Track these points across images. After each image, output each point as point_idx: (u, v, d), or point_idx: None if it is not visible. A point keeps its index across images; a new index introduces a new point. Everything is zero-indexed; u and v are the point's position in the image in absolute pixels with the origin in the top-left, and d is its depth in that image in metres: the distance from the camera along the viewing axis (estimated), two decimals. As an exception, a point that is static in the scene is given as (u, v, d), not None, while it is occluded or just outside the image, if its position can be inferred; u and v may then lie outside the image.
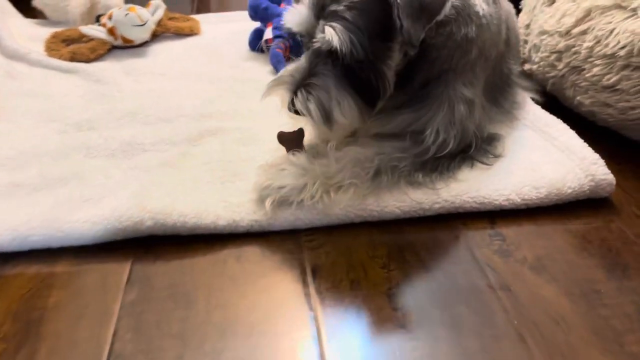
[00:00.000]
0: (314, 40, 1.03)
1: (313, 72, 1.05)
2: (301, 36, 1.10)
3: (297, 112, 1.06)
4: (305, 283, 0.95)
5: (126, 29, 1.81)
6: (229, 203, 1.08)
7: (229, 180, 1.16)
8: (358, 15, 1.00)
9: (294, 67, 1.08)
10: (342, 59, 1.02)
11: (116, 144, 1.27)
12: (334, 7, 1.01)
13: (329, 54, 1.04)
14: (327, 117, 1.05)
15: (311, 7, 1.04)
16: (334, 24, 0.99)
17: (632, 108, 1.25)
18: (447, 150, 1.14)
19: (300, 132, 1.14)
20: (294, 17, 1.07)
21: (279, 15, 1.77)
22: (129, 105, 1.45)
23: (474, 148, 1.19)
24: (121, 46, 1.84)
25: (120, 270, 0.98)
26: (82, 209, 1.06)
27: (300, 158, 1.10)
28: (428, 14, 1.02)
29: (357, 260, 1.00)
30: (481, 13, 1.17)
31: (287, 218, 1.06)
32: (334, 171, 1.08)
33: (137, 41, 1.85)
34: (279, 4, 1.86)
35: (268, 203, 1.04)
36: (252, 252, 1.03)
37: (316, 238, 1.06)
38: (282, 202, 1.06)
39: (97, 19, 1.91)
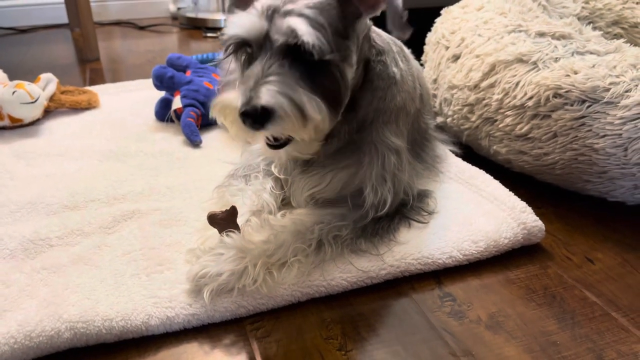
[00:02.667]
0: (274, 37, 0.92)
1: (268, 73, 0.91)
2: (248, 46, 0.97)
3: (253, 118, 0.89)
4: (259, 381, 0.86)
5: (14, 108, 1.63)
6: (160, 298, 0.96)
7: (156, 271, 1.04)
8: (318, 13, 0.94)
9: (243, 76, 0.95)
10: (309, 53, 0.91)
11: (15, 243, 1.10)
12: (289, 7, 0.94)
13: (286, 55, 0.93)
14: (302, 114, 0.90)
15: (262, 12, 0.95)
16: (297, 18, 0.92)
17: (546, 154, 1.31)
18: (385, 210, 1.11)
19: (233, 211, 1.05)
20: (243, 22, 0.95)
21: (187, 83, 1.70)
22: (25, 194, 1.28)
23: (409, 206, 1.18)
24: (8, 126, 1.66)
25: (36, 399, 0.82)
26: (-21, 329, 0.88)
27: (236, 239, 1.01)
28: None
29: (311, 344, 0.92)
30: (396, 70, 1.19)
31: (228, 307, 0.97)
32: (274, 248, 1.01)
33: (27, 120, 1.68)
34: (184, 72, 1.80)
35: (207, 294, 0.94)
36: (192, 352, 0.91)
37: (263, 325, 0.97)
38: (221, 291, 0.96)
39: (-22, 98, 1.71)
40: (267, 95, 0.88)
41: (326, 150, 1.15)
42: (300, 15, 0.93)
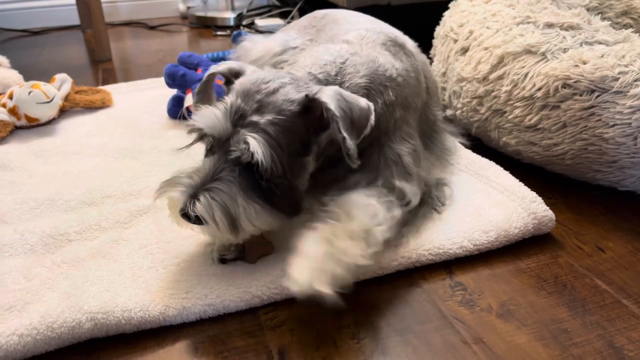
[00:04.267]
0: (231, 148, 0.96)
1: (217, 177, 0.95)
2: (212, 139, 1.00)
3: (190, 219, 0.94)
4: (275, 369, 0.88)
5: (30, 107, 1.67)
6: (176, 289, 0.99)
7: (172, 263, 1.06)
8: (281, 132, 0.96)
9: (194, 169, 0.98)
10: (260, 174, 0.96)
11: (35, 238, 1.13)
12: (255, 118, 0.96)
13: (238, 162, 0.96)
14: (232, 225, 0.94)
15: (228, 113, 0.98)
16: (256, 136, 0.94)
17: (556, 145, 1.32)
18: (411, 206, 1.14)
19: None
20: (208, 119, 0.98)
21: (198, 81, 1.72)
22: (44, 191, 1.31)
23: (429, 196, 1.20)
24: (26, 126, 1.70)
25: (59, 387, 0.85)
26: (3, 321, 0.92)
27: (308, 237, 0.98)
28: (357, 129, 1.00)
29: (324, 333, 0.94)
30: (394, 74, 1.20)
31: (243, 297, 0.99)
32: (348, 221, 1.01)
33: (44, 119, 1.71)
34: (195, 69, 1.82)
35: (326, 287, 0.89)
36: (209, 341, 0.93)
37: (277, 314, 0.99)
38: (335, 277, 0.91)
39: (-5, 99, 1.75)
40: (202, 207, 0.92)
41: (335, 175, 1.16)
42: (263, 132, 0.95)
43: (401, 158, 1.15)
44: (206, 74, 1.13)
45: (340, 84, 1.12)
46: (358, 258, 0.94)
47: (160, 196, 0.99)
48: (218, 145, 0.99)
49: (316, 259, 0.91)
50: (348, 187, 1.12)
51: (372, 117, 1.02)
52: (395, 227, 1.07)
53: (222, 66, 1.10)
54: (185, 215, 0.94)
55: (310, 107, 1.00)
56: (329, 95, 0.98)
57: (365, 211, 1.02)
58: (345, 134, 0.97)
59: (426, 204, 1.18)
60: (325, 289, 0.87)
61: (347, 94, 1.02)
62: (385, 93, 1.17)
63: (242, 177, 0.96)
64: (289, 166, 0.98)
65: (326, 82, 1.11)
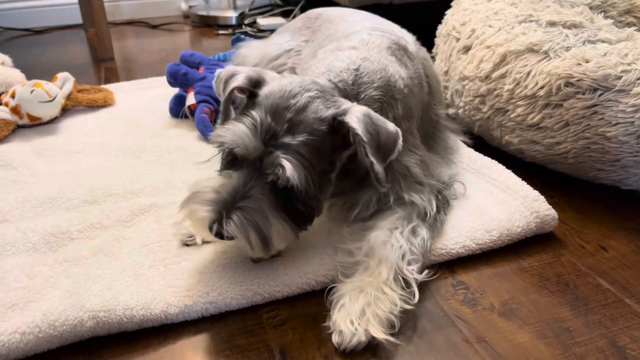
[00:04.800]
0: (266, 170, 0.94)
1: (247, 194, 0.94)
2: (239, 156, 0.98)
3: (222, 237, 0.93)
4: (276, 367, 0.88)
5: (32, 106, 1.67)
6: (178, 287, 0.99)
7: (173, 262, 1.06)
8: (313, 152, 0.96)
9: (221, 183, 0.96)
10: (293, 194, 0.95)
11: (37, 237, 1.13)
12: (288, 140, 0.95)
13: (272, 182, 0.95)
14: (265, 243, 0.94)
15: (259, 132, 0.95)
16: (291, 158, 0.93)
17: (558, 143, 1.32)
18: (433, 208, 1.14)
19: None
20: (238, 137, 0.96)
21: (200, 79, 1.72)
22: (47, 190, 1.31)
23: (443, 193, 1.21)
24: (28, 125, 1.70)
25: (61, 385, 0.85)
26: (6, 319, 0.92)
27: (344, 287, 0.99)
28: (383, 153, 1.00)
29: (325, 332, 0.94)
30: (402, 85, 1.19)
31: (245, 294, 0.99)
32: (378, 267, 1.01)
33: (46, 118, 1.71)
34: (197, 68, 1.82)
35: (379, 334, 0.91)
36: (211, 339, 0.93)
37: (279, 313, 0.99)
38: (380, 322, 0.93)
39: (-3, 98, 1.76)
40: (235, 227, 0.91)
41: (344, 187, 1.16)
42: (297, 154, 0.94)
43: (409, 170, 1.15)
44: (222, 85, 1.07)
45: (357, 94, 1.11)
46: (394, 307, 0.95)
47: (188, 216, 0.97)
48: (245, 161, 0.97)
49: (356, 311, 0.92)
50: (361, 211, 1.14)
51: (400, 142, 1.01)
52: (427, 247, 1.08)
53: (240, 78, 1.04)
54: (219, 234, 0.93)
55: (338, 127, 0.99)
56: (357, 119, 0.97)
57: (392, 253, 1.02)
58: (373, 159, 0.96)
59: (445, 200, 1.19)
60: (376, 333, 0.90)
61: (375, 116, 1.00)
62: (395, 107, 1.16)
63: (272, 194, 0.95)
64: (318, 184, 0.98)
65: (345, 91, 1.10)
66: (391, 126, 1.01)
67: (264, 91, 1.02)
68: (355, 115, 0.97)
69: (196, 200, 0.96)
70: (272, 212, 0.95)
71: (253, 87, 1.04)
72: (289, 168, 0.92)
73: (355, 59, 1.16)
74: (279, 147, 0.95)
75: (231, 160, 1.01)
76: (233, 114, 1.10)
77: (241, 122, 0.97)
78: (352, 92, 1.11)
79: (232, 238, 0.93)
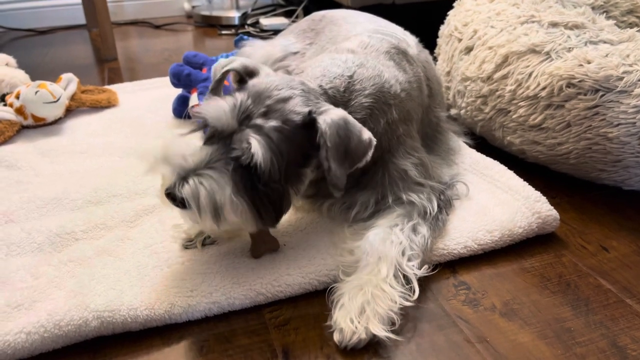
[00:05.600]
0: (233, 145, 0.96)
1: (211, 165, 0.95)
2: (215, 131, 1.00)
3: (175, 199, 0.94)
4: (279, 367, 0.89)
5: (37, 107, 1.68)
6: (181, 288, 1.00)
7: (177, 262, 1.07)
8: (283, 140, 0.97)
9: (191, 153, 0.97)
10: (255, 174, 0.96)
11: (42, 237, 1.14)
12: (260, 122, 0.97)
13: (237, 160, 0.96)
14: (216, 212, 0.94)
15: (236, 110, 0.98)
16: (259, 138, 0.95)
17: (560, 144, 1.32)
18: (434, 207, 1.15)
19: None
20: (214, 111, 0.98)
21: (203, 80, 1.73)
22: (51, 190, 1.32)
23: (446, 194, 1.21)
24: (32, 125, 1.71)
25: (67, 384, 0.86)
26: (11, 319, 0.93)
27: (344, 285, 1.01)
28: (351, 160, 1.01)
29: (328, 333, 0.94)
30: (398, 90, 1.20)
31: (248, 294, 1.00)
32: (377, 265, 1.02)
33: (50, 119, 1.72)
34: (201, 69, 1.83)
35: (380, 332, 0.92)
36: (214, 339, 0.94)
37: (282, 313, 0.99)
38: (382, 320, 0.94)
39: (2, 99, 1.77)
40: (189, 190, 0.93)
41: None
42: (266, 136, 0.96)
43: (407, 173, 1.16)
44: (221, 69, 1.11)
45: (347, 101, 1.12)
46: (394, 305, 0.96)
47: (151, 169, 0.98)
48: (219, 137, 0.99)
49: (356, 309, 0.93)
50: (359, 212, 1.16)
51: (370, 153, 1.02)
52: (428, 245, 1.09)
53: (236, 63, 1.09)
54: (171, 195, 0.94)
55: (310, 123, 1.00)
56: (331, 121, 0.98)
57: (392, 250, 1.03)
58: (331, 163, 0.98)
59: (439, 208, 1.18)
60: (376, 330, 0.91)
61: (352, 122, 1.02)
62: (389, 112, 1.16)
63: (235, 172, 0.96)
64: (285, 173, 0.99)
65: (334, 98, 1.11)
66: (366, 135, 1.02)
67: (252, 80, 1.05)
68: (330, 117, 0.99)
69: (164, 159, 0.97)
70: (231, 186, 0.95)
71: (246, 75, 1.07)
72: (254, 145, 0.94)
73: (350, 64, 1.17)
74: (250, 126, 0.97)
75: (210, 137, 1.03)
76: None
77: (223, 99, 1.01)
78: (342, 99, 1.12)
79: (184, 205, 0.94)
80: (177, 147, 0.98)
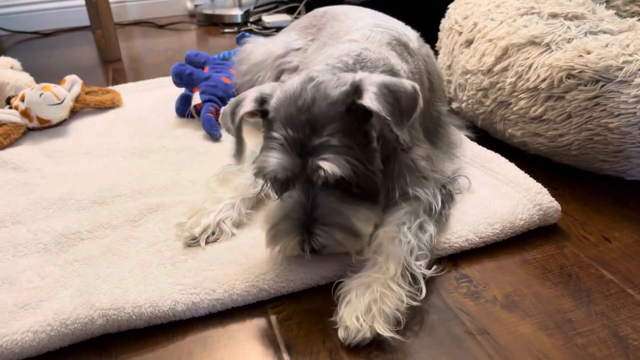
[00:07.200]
0: (313, 178, 0.96)
1: (314, 205, 0.97)
2: (287, 179, 1.01)
3: (316, 252, 0.98)
4: (282, 362, 0.90)
5: (42, 109, 1.70)
6: (185, 285, 1.01)
7: (180, 260, 1.08)
8: (342, 136, 0.96)
9: (287, 208, 0.99)
10: (348, 183, 0.98)
11: (48, 237, 1.16)
12: (316, 142, 0.96)
13: (326, 184, 0.98)
14: (354, 235, 0.99)
15: (289, 149, 0.97)
16: (326, 155, 0.95)
17: (561, 135, 1.32)
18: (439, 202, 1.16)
19: None
20: (275, 164, 0.97)
21: (205, 79, 1.74)
22: (57, 191, 1.34)
23: (447, 188, 1.21)
24: (37, 128, 1.73)
25: (74, 381, 0.88)
26: (19, 318, 0.95)
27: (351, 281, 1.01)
28: (407, 115, 0.99)
29: (331, 327, 0.95)
30: (404, 77, 1.19)
31: (250, 291, 1.01)
32: (385, 263, 1.03)
33: (55, 120, 1.74)
34: (202, 68, 1.84)
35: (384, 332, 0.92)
36: (218, 336, 0.96)
37: (284, 308, 1.00)
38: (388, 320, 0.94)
39: (8, 101, 1.79)
40: (322, 238, 0.97)
41: None
42: (329, 147, 0.96)
43: (415, 163, 1.16)
44: (229, 116, 1.06)
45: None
46: (401, 304, 0.96)
47: (280, 252, 1.03)
48: (294, 179, 1.00)
49: (363, 306, 0.94)
50: None
51: (420, 100, 1.00)
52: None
53: (247, 105, 1.03)
54: (313, 251, 0.98)
55: (355, 107, 0.98)
56: (375, 96, 0.96)
57: (401, 249, 1.03)
58: (396, 131, 0.96)
59: (442, 204, 1.19)
60: (381, 330, 0.91)
61: (391, 82, 0.99)
62: None
63: (333, 190, 0.98)
64: (365, 159, 0.99)
65: (346, 70, 1.09)
66: (408, 85, 1.00)
67: (272, 106, 1.02)
68: (372, 92, 0.96)
69: (279, 233, 1.00)
70: (344, 207, 0.98)
71: (261, 105, 1.04)
72: (327, 166, 0.94)
73: (355, 47, 1.17)
74: (311, 153, 0.96)
75: (282, 184, 1.04)
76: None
77: (270, 148, 0.99)
78: (353, 70, 1.10)
79: (325, 247, 0.98)
80: (271, 215, 1.02)
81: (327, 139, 0.96)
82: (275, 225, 1.01)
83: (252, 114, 1.04)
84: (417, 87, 1.01)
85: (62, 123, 1.78)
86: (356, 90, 0.98)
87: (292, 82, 1.03)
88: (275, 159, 0.98)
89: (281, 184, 1.04)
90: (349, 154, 0.96)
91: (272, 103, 1.02)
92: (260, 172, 1.01)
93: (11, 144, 1.64)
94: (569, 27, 1.33)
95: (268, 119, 1.02)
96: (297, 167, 0.97)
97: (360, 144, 1.00)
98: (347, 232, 0.98)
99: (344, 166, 0.95)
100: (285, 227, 0.99)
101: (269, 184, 1.08)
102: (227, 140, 1.62)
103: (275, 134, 0.99)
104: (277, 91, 1.03)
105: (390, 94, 0.97)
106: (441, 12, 1.80)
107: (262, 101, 1.04)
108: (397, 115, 0.97)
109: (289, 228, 0.99)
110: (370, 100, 0.95)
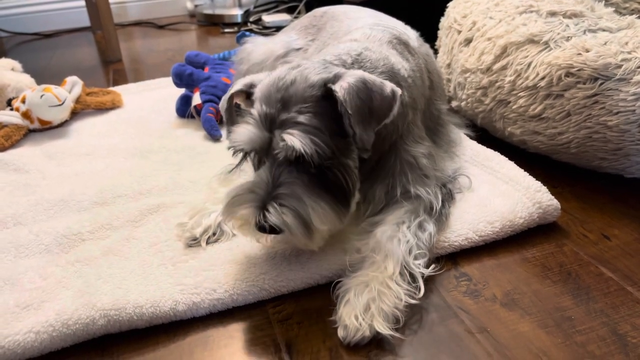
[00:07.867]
0: (275, 151, 0.96)
1: (277, 183, 0.96)
2: (256, 153, 1.02)
3: (265, 230, 0.96)
4: (282, 361, 0.90)
5: (43, 111, 1.70)
6: (186, 285, 1.02)
7: (181, 260, 1.09)
8: (312, 116, 0.96)
9: (252, 182, 0.99)
10: (309, 163, 0.96)
11: (50, 238, 1.17)
12: (284, 116, 0.96)
13: (292, 162, 0.97)
14: (306, 228, 0.96)
15: (260, 123, 0.98)
16: (290, 130, 0.95)
17: (560, 133, 1.32)
18: (439, 201, 1.16)
19: None
20: (244, 136, 0.99)
21: (205, 79, 1.75)
22: (58, 192, 1.35)
23: (448, 187, 1.22)
24: (39, 129, 1.73)
25: (75, 381, 0.88)
26: (20, 319, 0.95)
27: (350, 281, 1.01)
28: (377, 118, 1.00)
29: (331, 325, 0.96)
30: (406, 75, 1.20)
31: (251, 290, 1.01)
32: (384, 262, 1.03)
33: (56, 122, 1.75)
34: (202, 68, 1.84)
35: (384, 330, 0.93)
36: (218, 335, 0.96)
37: (285, 308, 1.01)
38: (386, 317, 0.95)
39: (9, 103, 1.80)
40: (274, 216, 0.94)
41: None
42: (295, 124, 0.96)
43: (417, 160, 1.16)
44: (224, 99, 1.11)
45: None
46: (399, 302, 0.96)
47: (230, 218, 1.01)
48: (264, 155, 1.00)
49: (361, 305, 0.94)
50: (372, 208, 1.16)
51: (396, 106, 1.00)
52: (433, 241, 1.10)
53: (237, 85, 1.08)
54: (261, 227, 0.96)
55: (330, 93, 0.98)
56: (348, 85, 0.96)
57: (399, 248, 1.04)
58: (356, 129, 0.96)
59: (450, 194, 1.20)
60: (380, 328, 0.91)
61: (371, 79, 0.99)
62: (402, 93, 1.16)
63: (300, 173, 0.97)
64: (335, 146, 0.98)
65: (342, 66, 1.09)
66: (388, 88, 1.00)
67: (257, 87, 1.05)
68: (346, 82, 0.97)
69: (235, 203, 0.99)
70: (306, 193, 0.96)
71: (250, 89, 1.07)
72: (289, 139, 0.94)
73: (356, 47, 1.17)
74: (279, 126, 0.97)
75: (258, 161, 1.04)
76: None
77: (244, 122, 1.01)
78: (351, 68, 1.10)
79: (275, 230, 0.95)
80: (238, 187, 1.01)
81: (295, 115, 0.96)
82: (234, 197, 1.00)
83: (241, 94, 1.09)
84: (398, 93, 1.01)
85: (63, 124, 1.78)
86: (334, 78, 0.99)
87: (281, 69, 1.05)
88: (244, 132, 0.99)
89: (257, 163, 1.04)
90: (315, 134, 0.95)
91: (259, 86, 1.05)
92: (233, 143, 1.02)
93: (12, 145, 1.65)
94: (567, 25, 1.33)
95: (251, 99, 1.05)
96: (264, 140, 0.98)
97: (332, 131, 0.98)
98: (299, 221, 0.95)
99: (307, 144, 0.94)
100: (242, 199, 0.98)
101: (244, 162, 1.08)
102: (227, 140, 1.62)
103: (252, 109, 1.01)
104: (267, 77, 1.06)
105: (364, 90, 0.98)
106: (440, 11, 1.80)
107: (251, 85, 1.07)
108: (365, 113, 0.97)
109: (245, 200, 0.98)
110: (340, 87, 0.96)
